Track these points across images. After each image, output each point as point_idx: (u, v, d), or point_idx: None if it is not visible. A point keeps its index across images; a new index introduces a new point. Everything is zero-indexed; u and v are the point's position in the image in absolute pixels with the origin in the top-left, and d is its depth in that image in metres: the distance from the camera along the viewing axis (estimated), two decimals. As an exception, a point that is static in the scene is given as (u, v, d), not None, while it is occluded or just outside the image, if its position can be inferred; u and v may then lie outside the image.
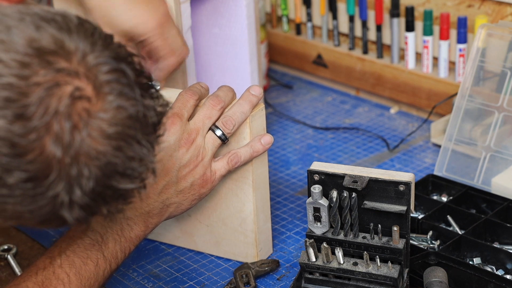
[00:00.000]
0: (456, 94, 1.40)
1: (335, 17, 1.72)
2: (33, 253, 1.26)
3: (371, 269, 1.07)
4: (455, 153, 1.36)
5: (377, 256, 1.07)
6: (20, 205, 0.79)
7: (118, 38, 0.87)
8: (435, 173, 1.36)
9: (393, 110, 1.67)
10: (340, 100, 1.73)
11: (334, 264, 1.09)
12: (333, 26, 1.73)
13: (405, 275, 1.09)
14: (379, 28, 1.64)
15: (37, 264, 1.02)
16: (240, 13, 1.38)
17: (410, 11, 1.57)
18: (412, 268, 1.12)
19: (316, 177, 1.09)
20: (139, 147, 0.82)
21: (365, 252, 1.07)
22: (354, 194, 1.07)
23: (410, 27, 1.58)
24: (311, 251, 1.09)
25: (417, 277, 1.12)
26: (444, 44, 1.54)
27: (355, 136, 1.58)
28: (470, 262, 1.13)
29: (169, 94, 1.12)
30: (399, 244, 1.07)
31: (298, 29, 1.81)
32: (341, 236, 1.10)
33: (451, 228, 1.20)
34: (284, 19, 1.82)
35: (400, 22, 1.61)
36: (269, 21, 1.86)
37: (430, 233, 1.18)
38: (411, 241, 1.14)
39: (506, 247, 1.15)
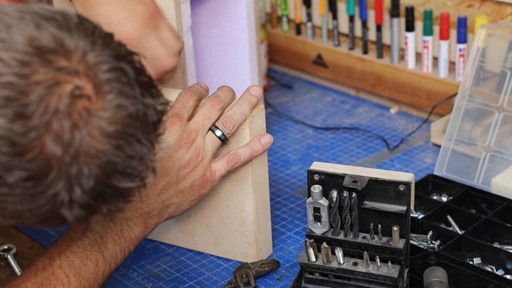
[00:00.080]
0: (456, 94, 1.40)
1: (335, 17, 1.72)
2: (33, 253, 1.26)
3: (371, 269, 1.07)
4: (455, 153, 1.35)
5: (377, 256, 1.07)
6: (20, 204, 0.79)
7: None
8: (435, 173, 1.36)
9: (393, 110, 1.67)
10: (340, 100, 1.73)
11: (334, 264, 1.09)
12: (333, 26, 1.73)
13: (405, 275, 1.09)
14: (379, 28, 1.64)
15: (37, 264, 1.02)
16: (240, 13, 1.38)
17: (410, 11, 1.57)
18: (412, 268, 1.12)
19: (316, 177, 1.09)
20: (139, 146, 0.82)
21: (365, 252, 1.07)
22: (354, 194, 1.07)
23: (410, 27, 1.58)
24: (311, 251, 1.09)
25: (417, 277, 1.12)
26: (444, 44, 1.54)
27: (355, 136, 1.58)
28: (470, 262, 1.13)
29: (169, 94, 1.12)
30: (399, 244, 1.07)
31: (298, 29, 1.81)
32: (341, 236, 1.10)
33: (451, 228, 1.20)
34: (284, 19, 1.82)
35: (400, 22, 1.61)
36: (269, 21, 1.86)
37: (430, 233, 1.18)
38: (411, 241, 1.13)
39: (506, 247, 1.15)
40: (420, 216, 1.22)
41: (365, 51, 1.69)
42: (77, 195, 0.80)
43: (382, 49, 1.66)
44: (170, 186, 1.09)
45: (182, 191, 1.10)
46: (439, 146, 1.41)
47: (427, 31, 1.55)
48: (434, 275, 1.07)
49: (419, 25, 1.58)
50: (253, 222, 1.18)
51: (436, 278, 1.07)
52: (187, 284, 1.18)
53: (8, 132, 0.75)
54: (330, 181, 1.08)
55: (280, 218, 1.33)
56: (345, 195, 1.07)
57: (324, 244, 1.08)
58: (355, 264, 1.08)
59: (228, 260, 1.23)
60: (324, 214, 1.09)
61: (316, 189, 1.07)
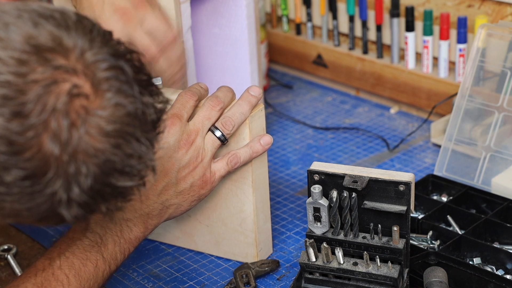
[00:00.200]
0: (456, 94, 1.39)
1: (335, 17, 1.72)
2: (33, 253, 1.26)
3: (371, 269, 1.07)
4: (455, 153, 1.35)
5: (377, 256, 1.07)
6: (18, 203, 0.79)
7: None
8: (435, 173, 1.35)
9: (393, 110, 1.66)
10: (340, 100, 1.73)
11: (334, 264, 1.09)
12: (333, 26, 1.73)
13: (405, 275, 1.09)
14: (379, 28, 1.64)
15: (36, 265, 1.02)
16: (240, 13, 1.38)
17: (410, 11, 1.57)
18: (412, 268, 1.11)
19: (316, 177, 1.09)
20: (138, 144, 0.82)
21: (365, 252, 1.07)
22: (354, 194, 1.07)
23: (410, 27, 1.58)
24: (311, 251, 1.09)
25: (417, 277, 1.12)
26: (444, 44, 1.53)
27: (355, 136, 1.58)
28: (470, 262, 1.12)
29: (169, 94, 1.12)
30: (399, 244, 1.07)
31: (298, 29, 1.81)
32: (341, 236, 1.09)
33: (451, 228, 1.20)
34: (284, 19, 1.82)
35: (400, 22, 1.61)
36: (269, 21, 1.86)
37: (430, 233, 1.18)
38: (411, 241, 1.13)
39: (506, 247, 1.15)
40: (420, 216, 1.22)
41: (365, 51, 1.69)
42: (75, 194, 0.79)
43: (382, 49, 1.66)
44: (170, 186, 1.09)
45: (181, 191, 1.10)
46: (439, 146, 1.41)
47: (427, 31, 1.55)
48: (434, 275, 1.07)
49: (419, 25, 1.58)
50: (253, 222, 1.18)
51: (436, 278, 1.07)
52: (187, 284, 1.18)
53: (5, 131, 0.75)
54: (330, 181, 1.08)
55: (280, 218, 1.32)
56: (345, 195, 1.07)
57: (324, 244, 1.08)
58: (355, 264, 1.08)
59: (228, 260, 1.22)
60: (324, 214, 1.08)
61: (316, 189, 1.07)
